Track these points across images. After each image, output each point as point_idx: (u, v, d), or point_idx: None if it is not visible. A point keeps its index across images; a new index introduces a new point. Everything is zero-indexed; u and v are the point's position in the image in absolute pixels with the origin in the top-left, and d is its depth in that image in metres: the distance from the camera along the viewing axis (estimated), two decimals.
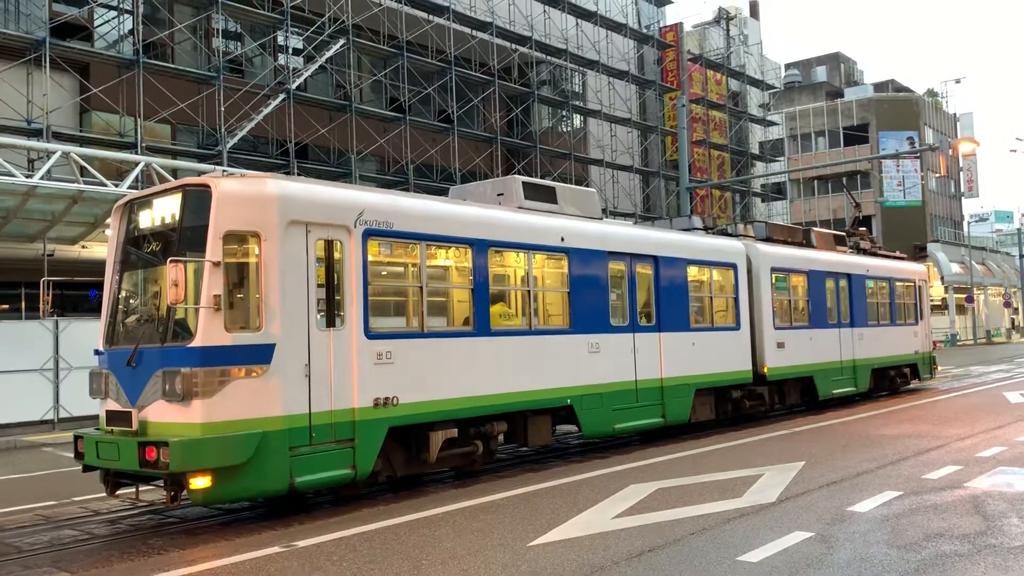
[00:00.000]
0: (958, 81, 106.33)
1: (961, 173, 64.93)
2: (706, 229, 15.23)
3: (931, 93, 69.43)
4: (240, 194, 7.76)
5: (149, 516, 8.75)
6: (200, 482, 7.19)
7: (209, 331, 7.34)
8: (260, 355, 7.53)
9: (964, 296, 55.39)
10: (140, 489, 8.10)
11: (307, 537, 6.85)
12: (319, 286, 8.06)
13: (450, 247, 9.73)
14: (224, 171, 10.89)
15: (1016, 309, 68.93)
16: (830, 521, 6.92)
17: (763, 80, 47.66)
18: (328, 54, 25.60)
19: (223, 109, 23.01)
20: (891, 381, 19.14)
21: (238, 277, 7.84)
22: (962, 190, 67.52)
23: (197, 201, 7.75)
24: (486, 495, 8.46)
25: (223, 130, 22.90)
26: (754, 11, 54.54)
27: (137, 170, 17.76)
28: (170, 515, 8.68)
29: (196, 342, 7.34)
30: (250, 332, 7.59)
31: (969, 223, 70.48)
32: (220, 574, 5.94)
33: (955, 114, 71.14)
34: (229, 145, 22.94)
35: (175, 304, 7.20)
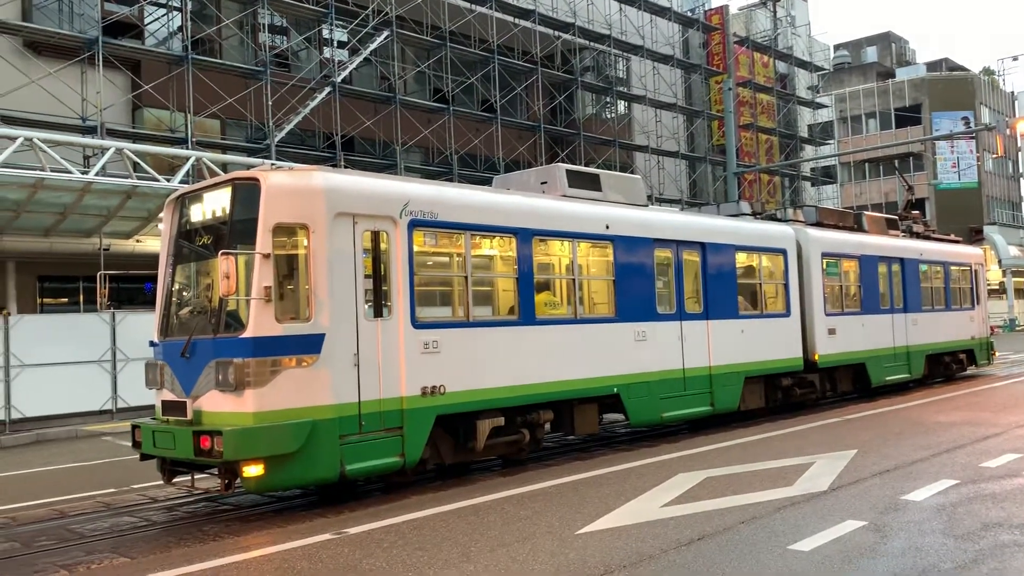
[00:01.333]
0: (1015, 59, 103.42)
1: (1020, 153, 63.02)
2: (754, 214, 15.02)
3: (987, 71, 67.43)
4: (288, 187, 7.86)
5: (204, 503, 8.96)
6: (253, 470, 7.33)
7: (260, 322, 7.46)
8: (310, 345, 7.64)
9: (1023, 280, 53.81)
10: (195, 477, 8.29)
11: (357, 524, 6.95)
12: (366, 277, 8.15)
13: (494, 236, 9.75)
14: (272, 164, 11.03)
15: None
16: (883, 510, 6.80)
17: (811, 62, 46.70)
18: (372, 46, 25.77)
19: (270, 103, 23.33)
20: (946, 367, 18.71)
21: (287, 269, 7.96)
22: (1020, 171, 65.53)
23: (247, 194, 7.87)
24: (533, 483, 8.49)
25: (271, 124, 23.22)
26: None
27: (188, 165, 18.11)
28: (225, 502, 8.88)
29: (248, 333, 7.47)
30: (300, 323, 7.70)
31: None
32: (273, 560, 6.06)
33: (1013, 92, 69.01)
34: (277, 139, 23.27)
35: (227, 296, 7.34)
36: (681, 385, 11.68)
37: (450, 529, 6.67)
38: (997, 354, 22.25)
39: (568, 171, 11.39)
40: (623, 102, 36.58)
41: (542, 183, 11.31)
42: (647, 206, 12.45)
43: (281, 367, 7.49)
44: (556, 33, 31.85)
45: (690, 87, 39.86)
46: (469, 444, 9.10)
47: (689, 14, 39.19)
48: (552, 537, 6.27)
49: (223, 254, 7.24)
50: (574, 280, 10.51)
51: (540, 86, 31.00)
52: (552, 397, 9.88)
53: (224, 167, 18.88)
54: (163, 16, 24.86)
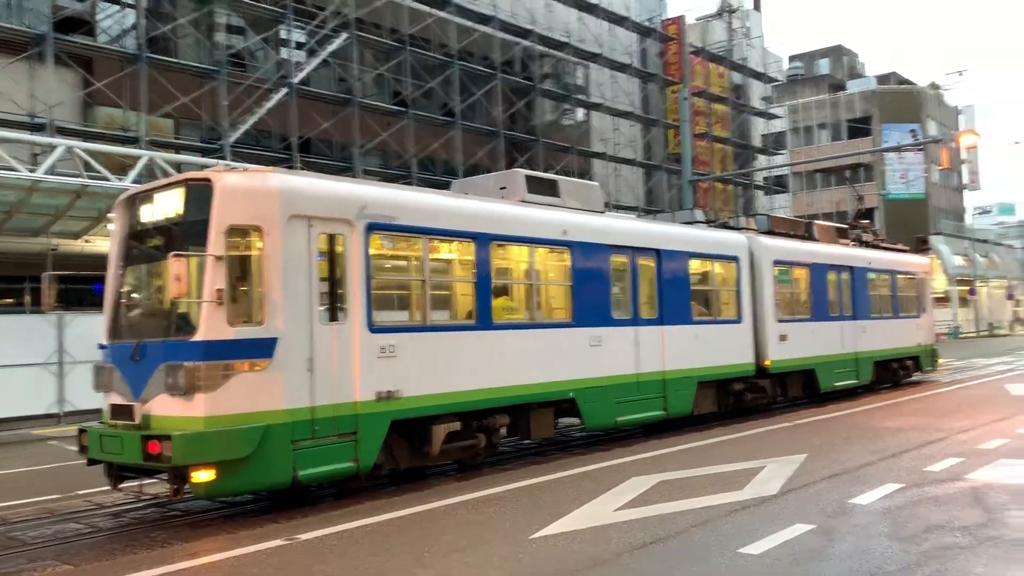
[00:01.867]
0: (960, 74, 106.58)
1: (964, 166, 64.79)
2: (708, 222, 15.23)
3: (933, 86, 69.15)
4: (242, 188, 7.77)
5: (153, 509, 8.80)
6: (203, 475, 7.23)
7: (212, 325, 7.36)
8: (263, 349, 7.56)
9: (967, 288, 55.35)
10: (143, 482, 8.14)
11: (310, 530, 6.88)
12: (322, 280, 8.09)
13: (453, 241, 9.75)
14: (227, 165, 10.89)
15: (1019, 301, 68.79)
16: (832, 513, 6.94)
17: (765, 73, 47.52)
18: (331, 48, 25.59)
19: (226, 103, 23.02)
20: (894, 373, 19.13)
21: (241, 271, 7.87)
22: (965, 183, 67.40)
23: (199, 195, 7.77)
24: (488, 488, 8.49)
25: (226, 124, 22.92)
26: (756, 4, 54.34)
27: (140, 164, 17.78)
28: (173, 508, 8.73)
29: (199, 336, 7.36)
30: (253, 326, 7.62)
31: (972, 215, 70.39)
32: (222, 567, 5.98)
33: (957, 107, 70.92)
34: (232, 139, 22.97)
35: (178, 298, 7.24)
36: (636, 390, 11.78)
37: (404, 534, 6.64)
38: (942, 361, 22.81)
39: (527, 177, 11.44)
40: (581, 109, 36.82)
41: (501, 188, 11.34)
42: (604, 213, 12.55)
43: (233, 371, 7.40)
44: (516, 40, 31.97)
45: (647, 96, 40.27)
46: (424, 449, 9.07)
47: (647, 24, 39.62)
48: (506, 542, 6.28)
49: (174, 256, 7.14)
50: (532, 285, 10.56)
51: (500, 91, 31.07)
52: (509, 402, 9.90)
53: (177, 167, 18.59)
54: (117, 13, 24.39)
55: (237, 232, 7.72)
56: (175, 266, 7.07)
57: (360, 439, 8.17)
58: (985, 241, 69.34)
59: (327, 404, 7.95)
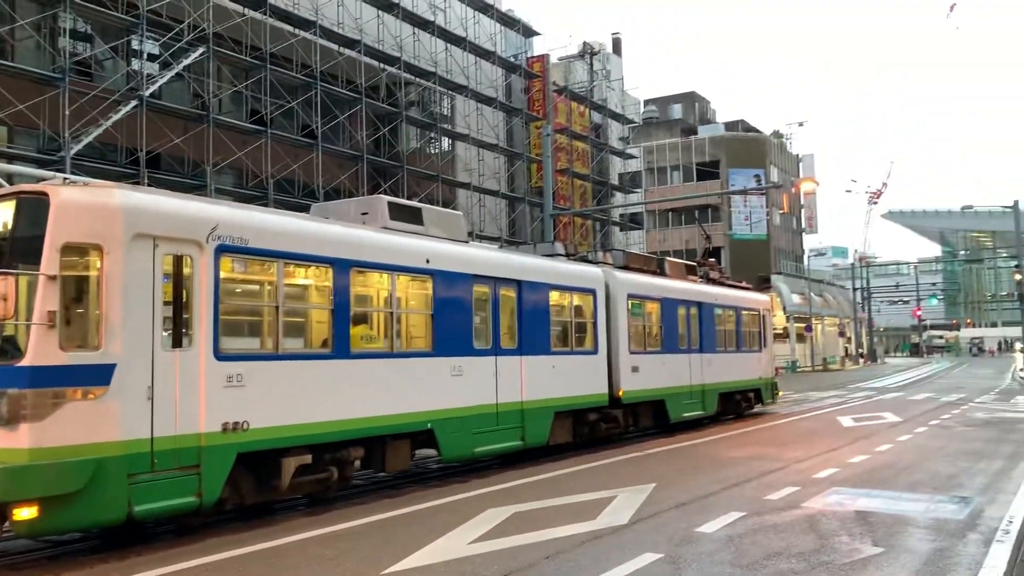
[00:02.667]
0: (801, 124, 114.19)
1: (802, 210, 69.47)
2: (568, 255, 15.55)
3: (776, 134, 73.99)
4: (81, 204, 7.28)
5: None
6: (25, 513, 6.63)
7: (42, 350, 6.81)
8: (98, 376, 7.05)
9: (804, 325, 59.05)
10: None
11: (145, 569, 6.45)
12: (166, 304, 7.65)
13: (310, 266, 9.48)
14: (66, 179, 10.14)
15: (849, 338, 74.10)
16: (679, 542, 7.14)
17: (623, 114, 49.40)
18: (186, 62, 24.56)
19: (68, 113, 21.62)
20: (737, 405, 20.07)
21: (77, 292, 7.33)
22: (803, 226, 72.22)
23: (33, 209, 7.21)
24: (340, 522, 8.24)
25: (67, 135, 21.52)
26: (617, 48, 56.64)
27: None
28: None
29: (26, 361, 6.79)
30: (88, 351, 7.10)
31: (809, 257, 75.37)
32: None
33: (798, 155, 76.08)
34: (73, 151, 21.56)
35: (3, 320, 6.66)
36: (494, 420, 11.79)
37: (249, 572, 6.32)
38: (781, 393, 24.17)
39: (390, 203, 11.32)
40: (447, 139, 37.00)
41: (363, 214, 11.15)
42: (468, 242, 12.59)
43: (64, 399, 6.85)
44: (381, 65, 31.81)
45: (512, 129, 40.97)
46: (273, 483, 8.69)
47: (512, 59, 40.42)
48: None
49: (0, 274, 6.57)
50: (392, 313, 10.40)
51: (364, 116, 30.74)
52: (365, 433, 9.66)
53: (10, 178, 17.24)
54: None
55: (74, 250, 7.20)
56: (1, 285, 6.51)
57: (203, 472, 7.74)
58: (820, 281, 74.48)
59: (168, 435, 7.49)
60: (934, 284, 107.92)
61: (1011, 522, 7.86)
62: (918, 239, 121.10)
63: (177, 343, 7.68)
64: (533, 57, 42.38)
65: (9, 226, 7.34)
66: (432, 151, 36.78)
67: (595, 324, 14.44)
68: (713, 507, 8.66)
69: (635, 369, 15.30)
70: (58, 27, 23.18)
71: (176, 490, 7.53)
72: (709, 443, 14.92)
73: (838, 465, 11.62)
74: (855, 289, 77.39)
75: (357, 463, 9.97)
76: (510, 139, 40.76)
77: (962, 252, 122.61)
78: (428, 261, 10.88)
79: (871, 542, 7.12)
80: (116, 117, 22.51)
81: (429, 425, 10.57)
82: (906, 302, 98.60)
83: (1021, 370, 41.81)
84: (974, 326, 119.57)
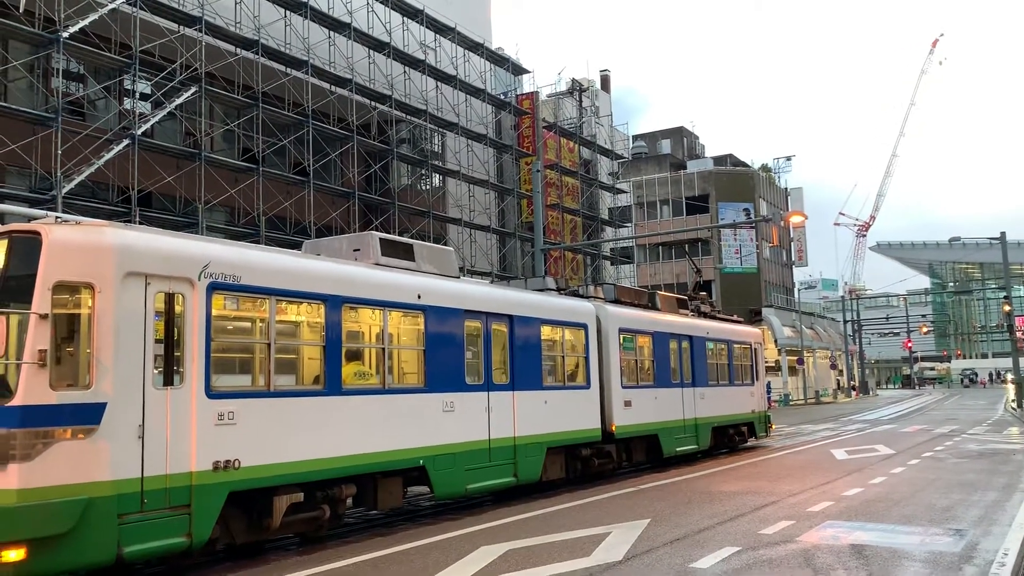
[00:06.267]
0: (789, 159, 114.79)
1: (792, 243, 69.97)
2: (559, 290, 15.60)
3: (765, 168, 74.73)
4: (73, 242, 7.29)
5: None
6: (13, 555, 6.54)
7: (32, 389, 6.77)
8: (88, 415, 7.01)
9: (795, 358, 59.12)
10: None
11: None
12: (157, 342, 7.63)
13: (302, 303, 9.49)
14: (58, 218, 10.17)
15: (841, 371, 74.22)
16: None
17: (612, 150, 49.85)
18: (178, 101, 24.72)
19: (60, 152, 21.69)
20: (730, 439, 20.01)
21: (68, 331, 7.32)
22: (793, 259, 72.72)
23: (25, 248, 7.22)
24: (331, 561, 8.16)
25: (59, 174, 21.56)
26: (605, 85, 57.34)
27: None
28: None
29: (16, 400, 6.74)
30: (79, 390, 7.07)
31: (799, 290, 75.79)
32: None
33: (787, 189, 76.84)
34: (65, 190, 21.59)
35: None
36: (487, 456, 11.73)
37: None
38: (774, 427, 24.13)
39: (382, 239, 11.36)
40: (438, 175, 37.24)
41: (355, 250, 11.19)
42: (459, 278, 12.61)
43: (53, 439, 6.80)
44: (372, 103, 32.09)
45: (502, 165, 41.28)
46: (264, 521, 8.61)
47: (502, 97, 40.84)
48: None
49: None
50: (384, 349, 10.39)
51: (355, 153, 30.93)
52: (357, 471, 9.60)
53: (1, 218, 17.25)
54: None
55: (66, 289, 7.20)
56: None
57: (194, 512, 7.67)
58: (811, 314, 74.79)
59: (159, 475, 7.43)
60: (924, 316, 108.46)
61: (1007, 554, 7.84)
62: (907, 271, 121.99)
63: (168, 381, 7.66)
64: (523, 94, 42.84)
65: (1, 265, 7.35)
66: (423, 187, 36.98)
67: (587, 359, 14.43)
68: (708, 542, 8.61)
69: (628, 404, 15.27)
70: (51, 67, 23.33)
71: (166, 530, 7.45)
72: (703, 477, 14.86)
73: (832, 498, 11.58)
74: (846, 321, 77.70)
75: (349, 501, 9.89)
76: (500, 175, 41.05)
77: (951, 284, 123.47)
78: (420, 297, 10.90)
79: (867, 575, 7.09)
80: (108, 156, 22.60)
81: (421, 462, 10.51)
82: (896, 334, 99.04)
83: (1012, 401, 41.88)
84: (964, 357, 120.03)
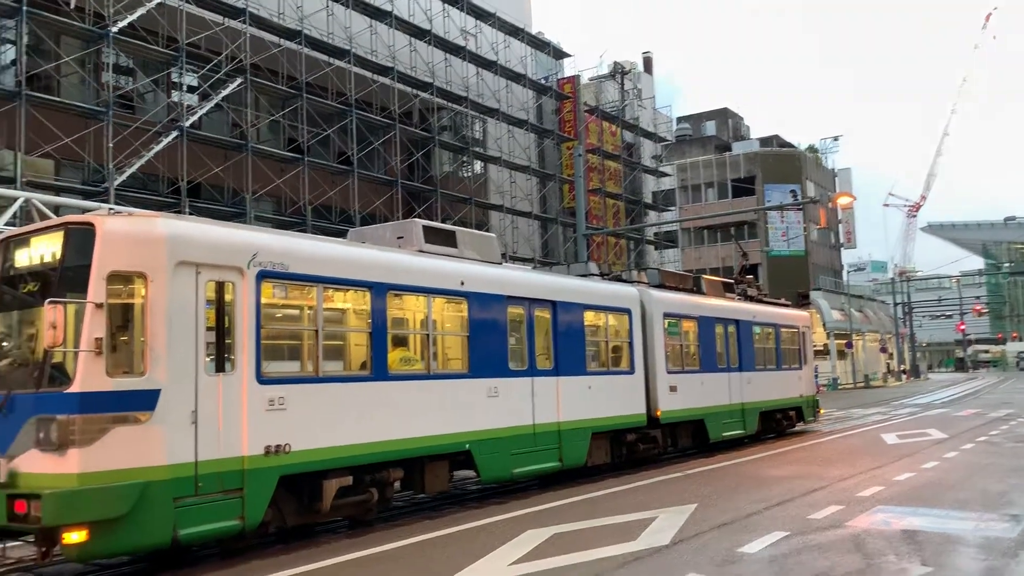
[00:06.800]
0: (836, 139, 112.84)
1: (840, 225, 68.68)
2: (602, 275, 15.54)
3: (812, 149, 73.39)
4: (126, 233, 7.47)
5: (18, 574, 8.16)
6: (75, 536, 6.76)
7: (89, 376, 6.97)
8: (143, 401, 7.20)
9: (844, 342, 58.20)
10: (7, 545, 7.56)
11: None
12: (208, 329, 7.80)
13: (348, 290, 9.61)
14: (111, 209, 10.40)
15: (891, 354, 72.86)
16: (721, 563, 7.06)
17: (655, 132, 49.37)
18: (224, 92, 25.12)
19: (111, 145, 22.19)
20: (778, 423, 19.81)
21: (122, 319, 7.51)
22: (841, 241, 71.36)
23: (80, 240, 7.42)
24: (380, 544, 8.28)
25: (111, 166, 22.07)
26: (648, 67, 56.72)
27: (16, 206, 16.85)
28: (41, 572, 8.12)
29: (74, 387, 6.95)
30: (134, 377, 7.26)
31: (848, 272, 74.41)
32: None
33: (834, 169, 75.40)
34: (117, 182, 22.10)
35: (52, 347, 6.84)
36: (531, 441, 11.78)
37: None
38: (822, 411, 23.80)
39: (425, 227, 11.44)
40: (479, 162, 37.30)
41: (398, 238, 11.29)
42: (501, 264, 12.65)
43: (110, 424, 7.00)
44: (414, 91, 32.22)
45: (543, 151, 41.18)
46: (315, 505, 8.77)
47: (543, 82, 40.69)
48: None
49: (50, 302, 6.76)
50: (428, 335, 10.48)
51: (398, 142, 31.13)
52: (404, 455, 9.72)
53: (57, 210, 17.70)
54: None
55: (119, 279, 7.38)
56: (51, 313, 6.68)
57: (247, 496, 7.84)
58: (860, 297, 73.38)
59: (212, 459, 7.61)
60: (978, 297, 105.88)
61: None
62: (959, 252, 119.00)
63: (220, 368, 7.82)
64: (564, 78, 42.64)
65: (57, 256, 7.56)
66: (465, 174, 37.09)
67: (631, 344, 14.38)
68: (756, 527, 8.56)
69: (673, 389, 15.19)
70: (101, 62, 23.84)
71: (220, 513, 7.63)
72: (750, 462, 14.74)
73: (883, 483, 11.42)
74: (896, 304, 76.16)
75: (397, 485, 10.02)
76: (542, 160, 40.94)
77: (1006, 264, 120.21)
78: (463, 283, 10.95)
79: (919, 561, 6.99)
80: (158, 148, 23.07)
81: (467, 446, 10.60)
82: (949, 316, 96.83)
83: None
84: (1020, 340, 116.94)
